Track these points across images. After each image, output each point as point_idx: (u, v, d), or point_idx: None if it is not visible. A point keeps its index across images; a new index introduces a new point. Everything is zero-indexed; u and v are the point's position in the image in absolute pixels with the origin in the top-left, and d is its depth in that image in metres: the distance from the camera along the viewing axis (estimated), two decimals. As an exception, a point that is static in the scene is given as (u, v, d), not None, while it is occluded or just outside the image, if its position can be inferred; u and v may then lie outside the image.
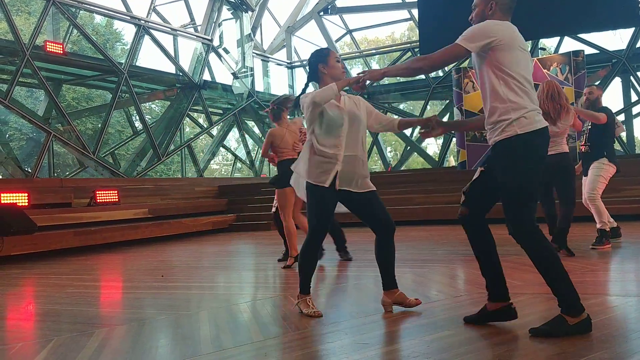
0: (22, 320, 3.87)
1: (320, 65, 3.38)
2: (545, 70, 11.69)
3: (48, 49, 10.83)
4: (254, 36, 16.83)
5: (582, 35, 12.97)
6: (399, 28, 31.97)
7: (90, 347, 2.85)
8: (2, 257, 7.17)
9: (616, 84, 13.25)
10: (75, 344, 2.93)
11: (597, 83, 12.95)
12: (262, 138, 16.39)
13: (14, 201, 7.85)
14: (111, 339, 3.03)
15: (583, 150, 5.77)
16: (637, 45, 12.66)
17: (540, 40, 13.77)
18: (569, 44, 13.60)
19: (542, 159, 2.72)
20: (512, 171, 2.69)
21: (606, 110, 5.66)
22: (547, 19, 11.40)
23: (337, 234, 5.78)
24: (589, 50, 12.55)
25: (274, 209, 5.95)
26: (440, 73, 16.46)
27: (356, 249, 6.79)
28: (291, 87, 17.61)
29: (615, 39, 25.44)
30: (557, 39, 14.14)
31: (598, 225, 5.50)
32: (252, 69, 15.82)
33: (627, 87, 13.27)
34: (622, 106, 13.14)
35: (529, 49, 13.85)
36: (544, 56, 12.56)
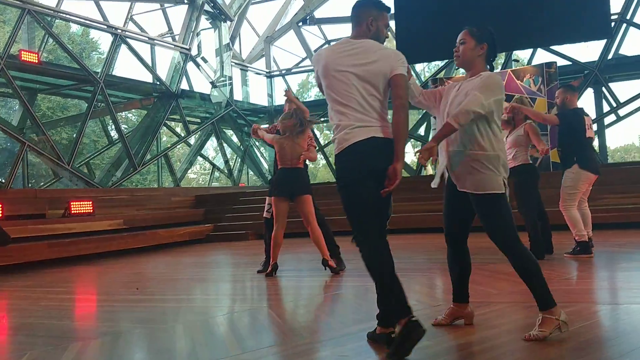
0: (-7, 335, 3.77)
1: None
2: (519, 82, 11.89)
3: (23, 58, 10.65)
4: (233, 46, 16.80)
5: (555, 47, 13.22)
6: (377, 38, 32.23)
7: (64, 362, 2.78)
8: (-27, 270, 6.99)
9: (588, 95, 13.52)
10: (49, 358, 2.86)
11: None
12: (241, 147, 16.33)
13: (-14, 213, 7.68)
14: (85, 352, 2.96)
15: (559, 155, 5.77)
16: (609, 57, 12.95)
17: (514, 51, 14.01)
18: (542, 56, 13.85)
19: (358, 172, 2.75)
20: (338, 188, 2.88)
21: (569, 113, 5.49)
22: (520, 31, 11.61)
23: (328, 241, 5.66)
24: (561, 62, 12.80)
25: (267, 215, 5.78)
26: (417, 83, 16.65)
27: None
28: (270, 96, 17.60)
29: (588, 51, 26.01)
30: (530, 50, 14.40)
31: (574, 236, 5.54)
32: (230, 78, 15.78)
33: (599, 98, 13.55)
34: (594, 117, 13.40)
35: (503, 61, 14.09)
36: (518, 67, 12.78)
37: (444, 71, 14.73)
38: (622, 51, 13.23)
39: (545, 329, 2.68)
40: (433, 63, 21.09)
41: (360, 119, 2.71)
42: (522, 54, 14.90)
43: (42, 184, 16.80)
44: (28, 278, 6.68)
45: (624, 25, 12.77)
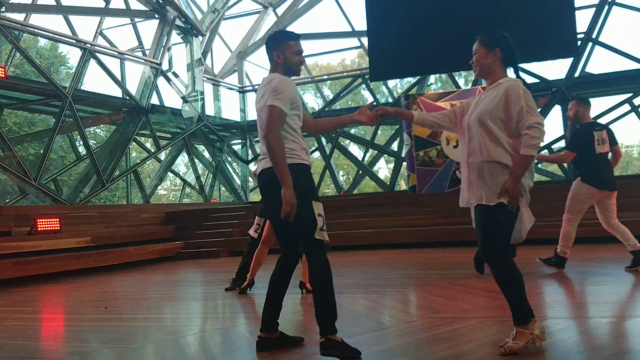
0: (-48, 359, 3.61)
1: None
2: (489, 98, 12.09)
3: (-12, 72, 10.42)
4: (205, 60, 16.74)
5: (523, 65, 13.53)
6: (350, 55, 32.57)
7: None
8: None
9: (556, 112, 13.83)
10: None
11: (538, 110, 13.49)
12: (213, 162, 16.19)
13: (-53, 230, 7.41)
14: (50, 377, 2.86)
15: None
16: (576, 75, 13.28)
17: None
18: (510, 74, 14.12)
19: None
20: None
21: (580, 129, 5.46)
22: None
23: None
24: (529, 79, 13.09)
25: (255, 235, 5.53)
26: (390, 99, 16.80)
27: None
28: (242, 111, 17.56)
29: (554, 69, 26.71)
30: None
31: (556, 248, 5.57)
32: (202, 93, 15.68)
33: (566, 115, 13.87)
34: (561, 133, 13.69)
35: (473, 78, 14.34)
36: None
37: (416, 87, 14.93)
38: (588, 69, 13.60)
39: (519, 341, 2.69)
40: (405, 79, 21.36)
41: (263, 151, 3.05)
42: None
43: (7, 200, 16.35)
44: (-10, 298, 6.44)
45: (590, 43, 13.15)
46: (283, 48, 3.06)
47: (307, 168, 3.09)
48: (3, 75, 10.76)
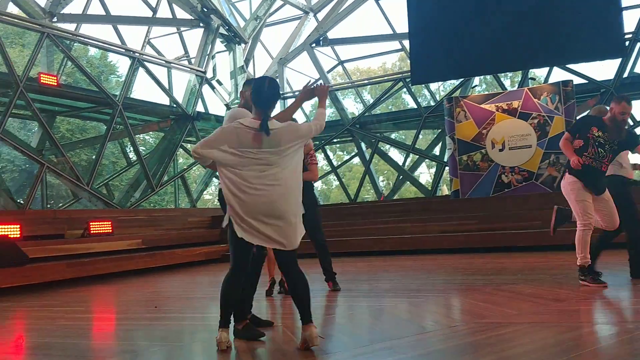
0: (13, 354, 3.80)
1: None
2: (536, 100, 11.85)
3: (42, 81, 10.88)
4: (247, 68, 17.01)
5: (571, 66, 13.20)
6: (391, 58, 32.44)
7: (82, 381, 2.80)
8: (-7, 290, 7.07)
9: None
10: (67, 378, 2.88)
11: (587, 112, 13.12)
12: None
13: (6, 233, 7.78)
14: (103, 372, 2.98)
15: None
16: (624, 76, 12.88)
17: (530, 70, 14.01)
18: (559, 74, 13.80)
19: None
20: None
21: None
22: (536, 50, 11.63)
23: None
24: (578, 80, 12.76)
25: None
26: (432, 102, 16.65)
27: (348, 279, 6.76)
28: (284, 117, 17.76)
29: (603, 69, 25.92)
30: (546, 69, 14.40)
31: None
32: (245, 100, 15.94)
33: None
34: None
35: (519, 79, 14.06)
36: (534, 86, 12.76)
37: (459, 90, 14.76)
38: (637, 70, 13.18)
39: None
40: (448, 82, 21.13)
41: None
42: (539, 72, 14.87)
43: (61, 204, 17.01)
44: (46, 297, 6.73)
45: (638, 44, 12.74)
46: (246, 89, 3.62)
47: None
48: (56, 84, 11.23)
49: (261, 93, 3.34)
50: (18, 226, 8.04)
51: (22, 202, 10.76)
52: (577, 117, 5.59)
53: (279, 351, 3.19)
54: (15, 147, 10.68)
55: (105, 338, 4.20)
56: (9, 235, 7.78)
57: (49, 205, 12.89)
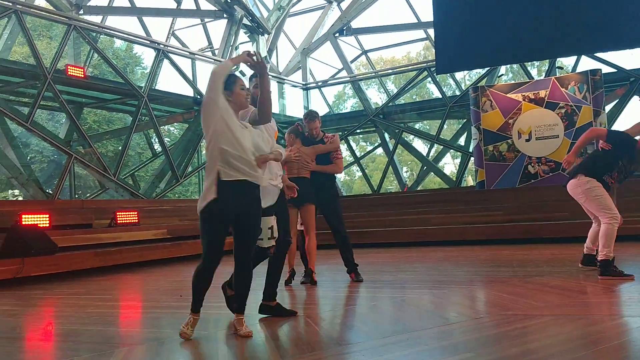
0: (42, 340, 3.89)
1: (226, 92, 3.49)
2: (563, 89, 11.63)
3: (69, 73, 11.04)
4: (270, 58, 17.02)
5: (600, 54, 12.90)
6: (415, 47, 32.15)
7: (109, 367, 2.86)
8: (23, 278, 7.25)
9: (634, 103, 13.11)
10: (95, 364, 2.94)
11: (615, 102, 12.83)
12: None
13: (36, 222, 7.96)
14: (130, 358, 3.03)
15: None
16: (656, 63, 12.57)
17: (558, 59, 13.74)
18: (587, 63, 13.51)
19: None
20: None
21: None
22: (563, 38, 11.38)
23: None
24: (606, 69, 12.46)
25: (301, 227, 5.84)
26: (457, 92, 16.45)
27: (371, 270, 6.76)
28: (306, 108, 17.73)
29: (633, 58, 25.29)
30: (574, 57, 14.10)
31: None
32: (268, 91, 15.96)
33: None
34: (642, 124, 12.99)
35: (547, 68, 13.80)
36: (562, 75, 12.52)
37: (485, 79, 14.55)
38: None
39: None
40: (473, 71, 20.85)
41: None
42: (566, 61, 14.59)
43: (88, 194, 17.32)
44: (75, 286, 6.88)
45: (672, 31, 12.36)
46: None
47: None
48: (82, 76, 11.39)
49: None
50: (47, 216, 8.21)
51: (50, 192, 10.97)
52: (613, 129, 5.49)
53: (302, 340, 3.21)
54: (43, 138, 10.88)
55: (131, 325, 4.28)
56: (39, 225, 7.95)
57: (77, 196, 13.13)
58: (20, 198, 16.03)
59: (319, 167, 5.67)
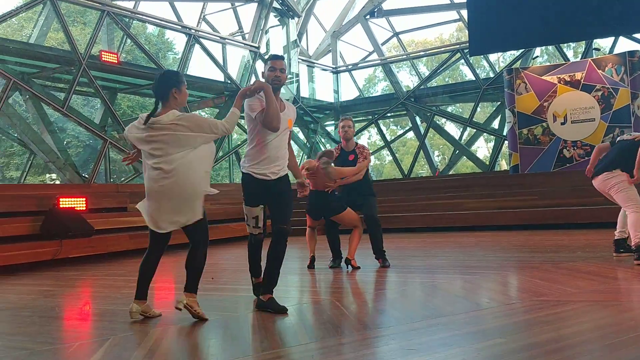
0: (80, 320, 4.02)
1: (174, 89, 3.58)
2: (600, 71, 11.30)
3: (103, 59, 11.21)
4: (300, 42, 16.97)
5: (638, 35, 12.46)
6: (448, 29, 31.59)
7: (145, 346, 2.93)
8: (61, 260, 7.48)
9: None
10: (131, 343, 3.02)
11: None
12: (307, 143, 16.48)
13: (73, 206, 8.17)
14: (164, 338, 3.11)
15: None
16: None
17: (595, 40, 13.33)
18: (624, 44, 13.07)
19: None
20: None
21: None
22: (600, 19, 11.01)
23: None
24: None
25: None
26: (491, 74, 16.13)
27: (401, 255, 6.75)
28: (336, 92, 17.66)
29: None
30: (611, 39, 13.65)
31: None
32: (297, 75, 15.94)
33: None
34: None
35: (583, 50, 13.40)
36: (599, 57, 12.15)
37: (519, 61, 14.23)
38: None
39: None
40: (508, 53, 20.43)
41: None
42: (603, 43, 14.15)
43: (123, 179, 17.68)
44: (110, 267, 7.07)
45: None
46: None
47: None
48: (116, 62, 11.56)
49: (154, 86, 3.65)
50: (84, 199, 8.42)
51: (86, 176, 11.24)
52: None
53: (329, 323, 3.23)
54: (79, 123, 11.12)
55: (164, 306, 4.37)
56: (76, 208, 8.16)
57: (112, 180, 13.42)
58: (58, 182, 16.47)
59: (339, 182, 5.73)
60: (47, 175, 19.97)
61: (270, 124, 3.71)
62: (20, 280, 6.18)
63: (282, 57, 3.98)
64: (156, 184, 3.50)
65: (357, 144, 6.00)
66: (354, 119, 6.40)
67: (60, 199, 8.05)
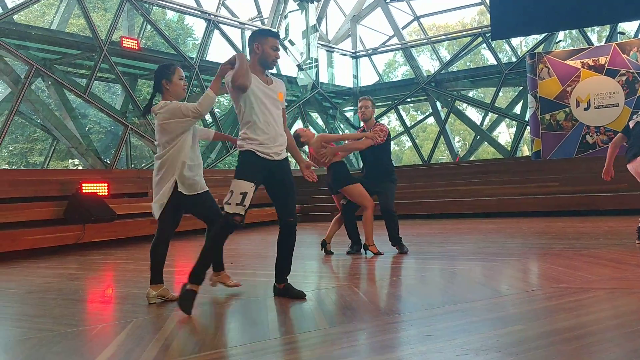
0: (103, 303, 4.10)
1: (164, 81, 3.86)
2: (625, 56, 11.05)
3: (124, 45, 11.28)
4: (319, 27, 16.86)
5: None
6: (469, 13, 31.12)
7: (167, 328, 2.98)
8: (84, 244, 7.62)
9: None
10: (153, 326, 3.08)
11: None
12: (326, 129, 16.43)
13: (95, 191, 8.29)
14: (185, 321, 3.16)
15: None
16: None
17: (619, 24, 13.01)
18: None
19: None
20: None
21: None
22: (625, 2, 10.75)
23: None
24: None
25: (344, 201, 5.93)
26: (513, 58, 15.88)
27: (421, 241, 6.73)
28: (355, 77, 17.55)
29: None
30: (637, 22, 13.32)
31: None
32: (316, 60, 15.87)
33: None
34: None
35: (607, 34, 13.10)
36: (623, 41, 11.87)
37: (542, 45, 13.98)
38: None
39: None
40: (530, 37, 20.08)
41: None
42: (628, 27, 13.80)
43: (143, 164, 17.85)
44: (132, 252, 7.18)
45: None
46: (263, 42, 3.96)
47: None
48: (137, 48, 11.62)
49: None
50: (106, 184, 8.54)
51: (108, 161, 11.38)
52: None
53: (348, 308, 3.25)
54: (100, 109, 11.24)
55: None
56: (98, 193, 8.28)
57: (132, 165, 13.57)
58: (80, 167, 16.71)
59: (337, 152, 5.73)
60: (70, 161, 20.26)
61: (237, 81, 3.53)
62: (46, 264, 6.32)
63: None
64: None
65: (377, 122, 5.87)
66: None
67: (83, 184, 8.17)
